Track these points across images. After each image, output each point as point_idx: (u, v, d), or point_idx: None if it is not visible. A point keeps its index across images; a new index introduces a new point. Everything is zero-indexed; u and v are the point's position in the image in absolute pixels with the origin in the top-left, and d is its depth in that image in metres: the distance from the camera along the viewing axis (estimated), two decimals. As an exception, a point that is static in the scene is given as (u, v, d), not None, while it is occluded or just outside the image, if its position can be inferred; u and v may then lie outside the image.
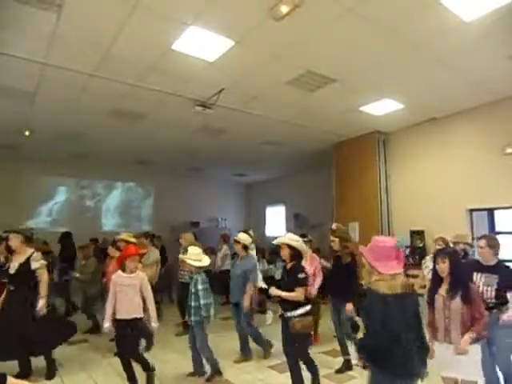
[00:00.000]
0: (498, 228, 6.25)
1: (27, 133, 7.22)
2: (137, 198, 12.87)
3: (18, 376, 3.57)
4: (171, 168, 11.67)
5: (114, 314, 3.70)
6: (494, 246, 3.43)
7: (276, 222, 13.87)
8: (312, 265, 4.95)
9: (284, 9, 3.53)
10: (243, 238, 4.69)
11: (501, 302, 3.23)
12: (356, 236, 7.75)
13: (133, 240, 5.33)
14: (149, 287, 3.87)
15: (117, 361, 3.86)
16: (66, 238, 8.13)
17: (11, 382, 1.74)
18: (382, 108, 6.37)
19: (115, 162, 10.66)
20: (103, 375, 4.30)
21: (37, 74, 4.91)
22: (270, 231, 13.87)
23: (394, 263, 2.30)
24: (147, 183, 12.85)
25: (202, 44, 4.24)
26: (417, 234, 6.85)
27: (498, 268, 3.38)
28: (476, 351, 2.73)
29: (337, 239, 4.49)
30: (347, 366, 4.35)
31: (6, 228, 4.55)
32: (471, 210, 6.32)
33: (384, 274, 2.25)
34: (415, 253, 6.81)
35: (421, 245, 6.74)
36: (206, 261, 4.12)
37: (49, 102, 5.90)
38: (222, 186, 14.36)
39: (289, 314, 3.46)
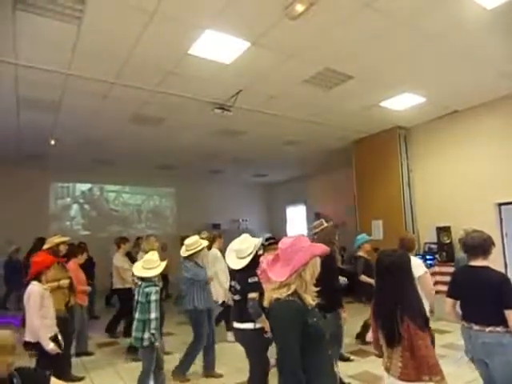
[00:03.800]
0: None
1: (53, 142, 7.45)
2: (159, 202, 13.10)
3: None
4: (192, 171, 11.80)
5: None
6: None
7: (297, 222, 13.81)
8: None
9: (299, 7, 3.51)
10: (187, 241, 4.38)
11: None
12: (380, 234, 7.62)
13: (65, 239, 4.93)
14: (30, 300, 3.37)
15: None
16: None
17: (54, 381, 1.82)
18: (402, 103, 6.24)
19: (138, 167, 10.86)
20: (130, 374, 4.36)
21: (60, 84, 5.06)
22: (290, 231, 13.82)
23: (279, 268, 1.76)
24: (169, 187, 13.06)
25: (218, 47, 4.27)
26: (443, 231, 6.67)
27: None
28: None
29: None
30: None
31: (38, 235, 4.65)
32: (500, 204, 6.11)
33: (274, 280, 1.77)
34: (443, 249, 6.64)
35: (448, 241, 6.57)
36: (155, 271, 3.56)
37: (73, 110, 6.08)
38: (242, 187, 14.42)
39: (236, 325, 3.20)
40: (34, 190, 10.57)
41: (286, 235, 9.29)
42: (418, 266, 3.70)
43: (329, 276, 3.86)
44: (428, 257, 6.68)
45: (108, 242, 8.51)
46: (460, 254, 4.99)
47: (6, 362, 1.74)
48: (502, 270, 5.80)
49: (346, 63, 4.82)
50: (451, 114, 6.75)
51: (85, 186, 11.89)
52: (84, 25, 3.74)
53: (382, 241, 7.15)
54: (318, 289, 1.78)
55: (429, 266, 6.29)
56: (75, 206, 11.69)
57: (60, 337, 3.55)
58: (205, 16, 3.71)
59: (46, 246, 4.68)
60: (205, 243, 4.46)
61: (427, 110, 6.60)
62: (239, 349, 3.35)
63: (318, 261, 1.79)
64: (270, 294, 1.74)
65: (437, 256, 6.68)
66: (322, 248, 1.81)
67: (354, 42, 4.31)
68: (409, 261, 2.17)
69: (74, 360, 4.94)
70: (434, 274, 5.92)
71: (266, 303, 1.76)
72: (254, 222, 14.28)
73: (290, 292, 1.67)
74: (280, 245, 1.82)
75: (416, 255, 7.01)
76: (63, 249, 4.94)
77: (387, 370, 2.10)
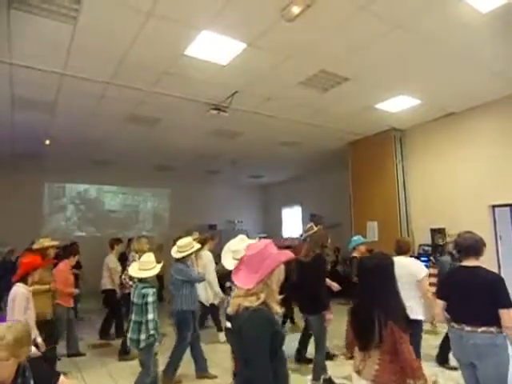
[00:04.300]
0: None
1: (47, 142, 7.41)
2: (156, 203, 13.07)
3: None
4: (188, 172, 11.78)
5: None
6: None
7: (292, 223, 13.82)
8: None
9: (295, 9, 3.52)
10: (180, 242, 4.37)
11: None
12: (375, 236, 7.65)
13: (55, 243, 4.88)
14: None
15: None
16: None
17: (63, 381, 1.89)
18: (397, 105, 6.27)
19: (134, 167, 10.82)
20: (122, 373, 4.38)
21: (56, 84, 5.03)
22: (286, 232, 13.84)
23: (244, 275, 1.73)
24: (165, 187, 13.03)
25: (214, 48, 4.27)
26: (438, 233, 6.71)
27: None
28: None
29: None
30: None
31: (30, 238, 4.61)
32: (493, 206, 6.16)
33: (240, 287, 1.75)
34: (437, 251, 6.68)
35: (442, 243, 6.60)
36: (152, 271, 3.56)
37: (68, 110, 6.05)
38: (238, 188, 14.43)
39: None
40: (28, 191, 10.51)
41: (281, 236, 9.29)
42: (420, 269, 3.70)
43: (317, 279, 3.87)
44: (422, 258, 6.70)
45: (104, 243, 8.47)
46: (444, 257, 5.00)
47: (25, 352, 1.81)
48: (496, 272, 5.84)
49: (341, 65, 4.84)
50: (447, 116, 6.79)
51: (80, 187, 11.83)
52: (80, 24, 3.72)
53: (377, 242, 7.18)
54: (282, 296, 1.78)
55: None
56: (70, 207, 11.63)
57: (39, 339, 3.39)
58: (201, 17, 3.71)
59: (35, 247, 4.69)
60: (197, 246, 4.45)
61: (423, 112, 6.64)
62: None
63: (283, 268, 1.79)
64: (237, 302, 1.72)
65: (431, 258, 6.72)
66: (288, 254, 1.81)
67: (349, 44, 4.33)
68: (393, 264, 2.17)
69: (66, 360, 4.92)
70: (428, 275, 5.95)
71: (230, 310, 1.73)
72: (249, 223, 14.28)
73: (260, 301, 1.66)
74: (247, 251, 1.79)
75: (410, 257, 7.08)
76: (52, 252, 4.89)
77: (358, 372, 2.06)
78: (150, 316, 3.31)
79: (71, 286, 5.01)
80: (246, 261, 1.76)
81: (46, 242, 4.85)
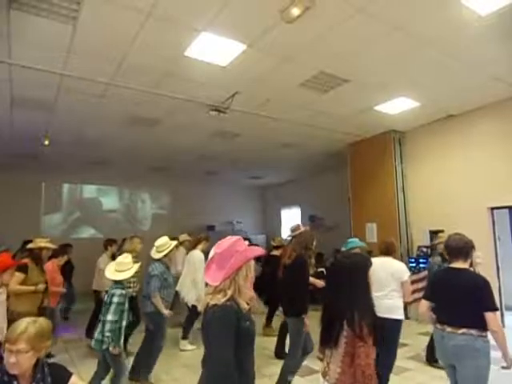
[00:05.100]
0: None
1: (47, 142, 7.39)
2: (154, 203, 13.05)
3: None
4: (187, 173, 11.78)
5: None
6: None
7: (291, 224, 13.80)
8: None
9: (295, 11, 3.53)
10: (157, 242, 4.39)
11: None
12: (374, 237, 7.66)
13: (50, 246, 4.75)
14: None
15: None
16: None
17: (73, 381, 1.94)
18: (397, 107, 6.28)
19: (133, 168, 10.82)
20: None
21: (55, 84, 5.03)
22: (285, 234, 13.84)
23: (213, 272, 1.75)
24: (164, 188, 13.02)
25: (214, 49, 4.27)
26: (436, 234, 6.70)
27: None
28: None
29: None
30: None
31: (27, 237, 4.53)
32: (492, 208, 6.17)
33: (211, 285, 1.76)
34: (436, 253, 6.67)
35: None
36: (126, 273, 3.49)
37: (67, 111, 6.04)
38: (237, 189, 14.43)
39: None
40: (26, 191, 10.49)
41: (280, 237, 9.32)
42: (404, 271, 3.68)
43: (296, 281, 3.71)
44: (421, 260, 6.72)
45: (100, 244, 8.46)
46: (434, 258, 5.02)
47: (46, 348, 1.88)
48: (495, 273, 5.86)
49: (340, 67, 4.85)
50: (446, 118, 6.80)
51: (77, 187, 11.81)
52: (79, 25, 3.72)
53: (376, 244, 7.18)
54: (252, 293, 1.79)
55: (422, 269, 6.34)
56: (67, 207, 11.59)
57: None
58: (201, 18, 3.71)
59: (30, 246, 4.62)
60: (174, 243, 4.47)
61: (422, 113, 6.65)
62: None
63: (252, 264, 1.80)
64: (207, 299, 1.75)
65: (430, 259, 6.72)
66: (258, 251, 1.82)
67: (348, 46, 4.34)
68: (370, 266, 2.13)
69: (64, 359, 4.87)
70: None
71: (200, 307, 1.80)
72: (248, 224, 14.28)
73: (226, 298, 1.68)
74: (216, 248, 1.79)
75: (409, 258, 7.10)
76: (45, 254, 4.78)
77: (324, 375, 2.04)
78: (110, 317, 3.22)
79: (57, 285, 4.90)
80: (216, 258, 1.77)
81: (41, 243, 4.72)
